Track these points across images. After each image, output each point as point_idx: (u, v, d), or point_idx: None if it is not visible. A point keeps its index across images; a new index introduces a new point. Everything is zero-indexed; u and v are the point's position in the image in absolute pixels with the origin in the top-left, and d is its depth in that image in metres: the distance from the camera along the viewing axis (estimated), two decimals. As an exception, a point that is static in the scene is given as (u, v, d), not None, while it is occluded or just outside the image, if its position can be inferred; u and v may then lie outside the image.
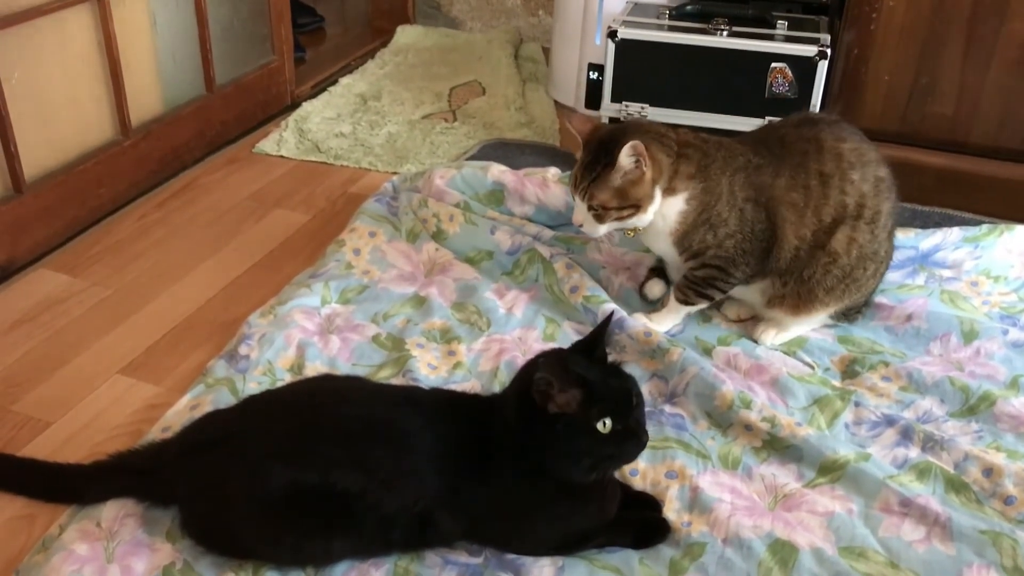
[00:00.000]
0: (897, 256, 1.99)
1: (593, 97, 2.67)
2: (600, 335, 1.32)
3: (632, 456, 1.31)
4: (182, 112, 2.45)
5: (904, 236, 2.03)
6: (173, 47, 2.44)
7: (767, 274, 1.73)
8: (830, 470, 1.48)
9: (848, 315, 1.81)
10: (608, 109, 2.39)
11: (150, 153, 2.35)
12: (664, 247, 1.75)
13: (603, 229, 1.69)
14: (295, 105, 2.84)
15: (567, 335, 1.80)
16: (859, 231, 1.69)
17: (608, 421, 1.23)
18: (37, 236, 2.06)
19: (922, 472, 1.49)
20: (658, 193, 1.66)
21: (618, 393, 1.26)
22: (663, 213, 1.68)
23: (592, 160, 1.66)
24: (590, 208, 1.67)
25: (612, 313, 1.41)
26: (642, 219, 1.67)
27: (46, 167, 2.10)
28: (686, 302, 1.78)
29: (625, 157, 1.61)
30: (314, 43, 3.36)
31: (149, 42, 2.36)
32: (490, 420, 1.31)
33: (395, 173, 2.44)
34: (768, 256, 1.70)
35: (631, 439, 1.26)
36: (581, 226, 1.70)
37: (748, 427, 1.56)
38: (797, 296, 1.74)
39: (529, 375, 1.26)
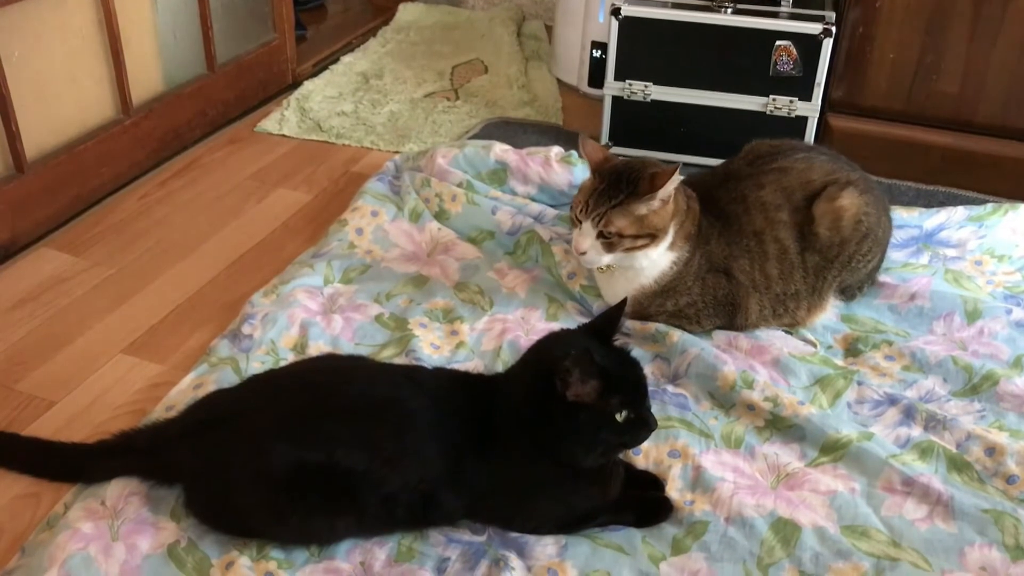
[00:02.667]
0: (901, 235, 1.99)
1: (596, 75, 2.66)
2: (615, 321, 1.32)
3: (640, 442, 1.33)
4: (183, 91, 2.44)
5: (908, 215, 2.03)
6: (174, 25, 2.43)
7: (738, 330, 1.75)
8: (832, 449, 1.48)
9: (846, 292, 1.82)
10: (611, 87, 2.37)
11: (151, 132, 2.34)
12: (618, 299, 1.75)
13: (607, 259, 1.67)
14: (296, 84, 2.82)
15: (570, 315, 1.80)
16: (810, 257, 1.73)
17: (625, 411, 1.24)
18: (39, 215, 2.06)
19: (924, 451, 1.49)
20: (672, 230, 1.67)
21: (633, 383, 1.28)
22: (653, 262, 1.68)
23: (609, 188, 1.64)
24: (601, 235, 1.64)
25: (626, 299, 1.41)
26: (648, 254, 1.67)
27: (47, 146, 2.10)
28: None
29: (670, 185, 1.61)
30: (315, 21, 3.34)
31: (149, 20, 2.35)
32: (493, 399, 1.31)
33: (397, 152, 2.43)
34: (735, 316, 1.74)
35: (642, 427, 1.28)
36: (584, 254, 1.66)
37: (750, 407, 1.56)
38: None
39: (542, 358, 1.26)
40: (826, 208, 1.71)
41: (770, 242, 1.71)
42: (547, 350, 1.31)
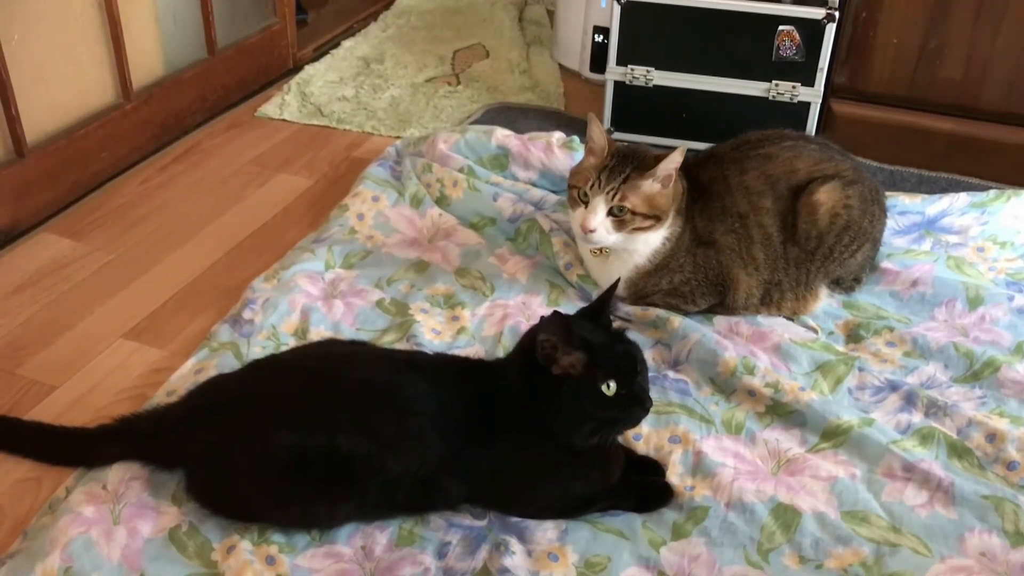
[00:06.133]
0: (903, 221, 1.99)
1: (598, 61, 2.65)
2: (606, 301, 1.33)
3: (636, 421, 1.32)
4: (183, 75, 2.43)
5: (911, 201, 2.02)
6: (174, 9, 2.42)
7: (728, 311, 1.76)
8: (833, 435, 1.48)
9: (840, 284, 1.81)
10: (613, 72, 2.36)
11: (151, 117, 2.34)
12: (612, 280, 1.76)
13: (614, 238, 1.66)
14: (297, 68, 2.81)
15: (571, 301, 1.79)
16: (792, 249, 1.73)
17: (612, 384, 1.24)
18: (39, 200, 2.05)
19: (925, 437, 1.49)
20: (673, 212, 1.68)
21: (623, 357, 1.27)
22: (648, 241, 1.69)
23: (618, 164, 1.65)
24: (611, 213, 1.64)
25: (618, 280, 1.41)
26: (650, 238, 1.68)
27: (47, 131, 2.09)
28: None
29: (670, 163, 1.62)
30: (316, 5, 3.32)
31: (150, 3, 2.34)
32: (494, 384, 1.32)
33: (398, 137, 2.43)
34: (726, 294, 1.74)
35: (635, 404, 1.27)
36: (591, 232, 1.64)
37: (751, 392, 1.56)
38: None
39: (533, 339, 1.26)
40: (804, 202, 1.71)
41: (754, 227, 1.72)
42: (538, 332, 1.31)
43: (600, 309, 1.33)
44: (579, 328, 1.25)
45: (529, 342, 1.29)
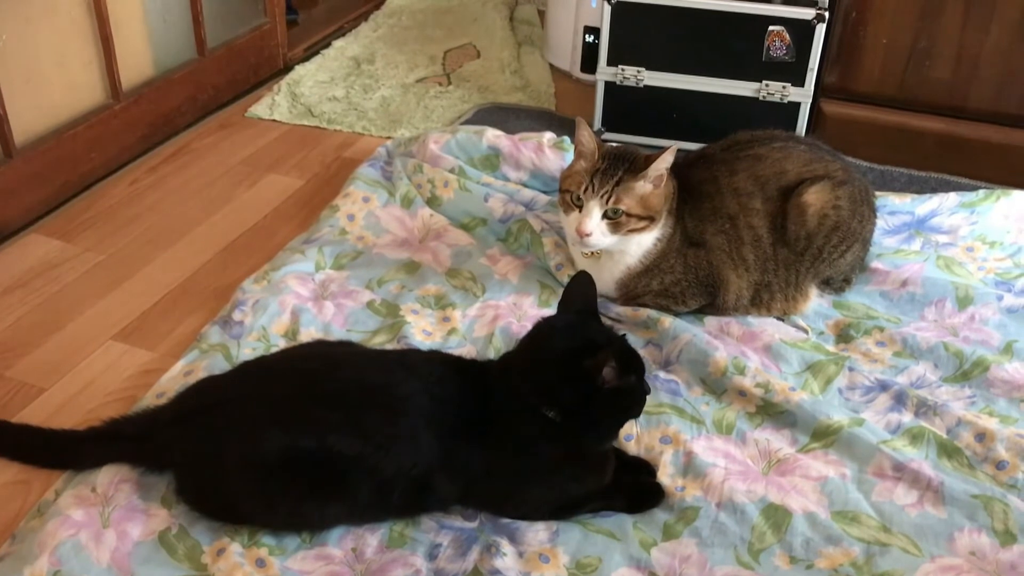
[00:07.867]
0: (893, 221, 1.99)
1: (589, 61, 2.65)
2: (594, 298, 1.35)
3: (639, 413, 1.35)
4: (173, 76, 2.42)
5: (900, 201, 2.03)
6: (164, 9, 2.41)
7: (718, 311, 1.76)
8: (824, 435, 1.49)
9: (830, 284, 1.81)
10: (604, 73, 2.36)
11: (141, 117, 2.33)
12: (606, 283, 1.76)
13: (609, 241, 1.66)
14: (287, 68, 2.80)
15: (562, 301, 1.79)
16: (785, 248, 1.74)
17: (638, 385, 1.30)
18: (28, 201, 2.04)
19: (915, 437, 1.50)
20: (665, 212, 1.68)
21: (634, 354, 1.31)
22: (640, 242, 1.69)
23: (610, 167, 1.65)
24: (607, 216, 1.64)
25: (590, 275, 1.41)
26: (642, 239, 1.68)
27: (36, 131, 2.08)
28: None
29: (661, 163, 1.62)
30: (306, 5, 3.31)
31: (139, 3, 2.33)
32: (487, 384, 1.31)
33: (389, 137, 2.42)
34: (716, 294, 1.74)
35: (643, 397, 1.32)
36: (588, 236, 1.64)
37: (742, 393, 1.56)
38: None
39: (552, 344, 1.29)
40: (793, 203, 1.72)
41: (744, 228, 1.72)
42: (555, 335, 1.31)
43: (593, 306, 1.35)
44: (595, 332, 1.29)
45: (551, 348, 1.29)
